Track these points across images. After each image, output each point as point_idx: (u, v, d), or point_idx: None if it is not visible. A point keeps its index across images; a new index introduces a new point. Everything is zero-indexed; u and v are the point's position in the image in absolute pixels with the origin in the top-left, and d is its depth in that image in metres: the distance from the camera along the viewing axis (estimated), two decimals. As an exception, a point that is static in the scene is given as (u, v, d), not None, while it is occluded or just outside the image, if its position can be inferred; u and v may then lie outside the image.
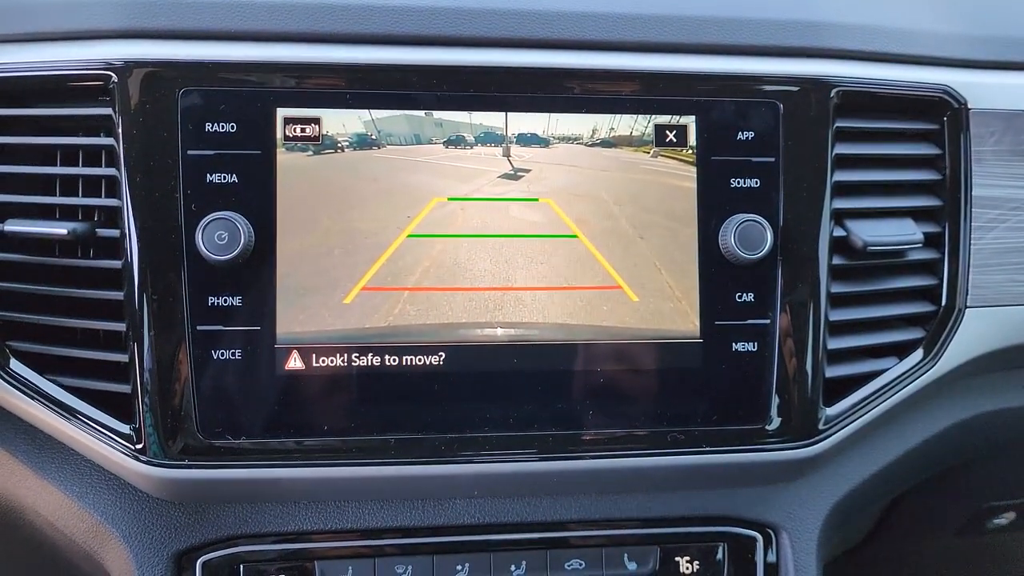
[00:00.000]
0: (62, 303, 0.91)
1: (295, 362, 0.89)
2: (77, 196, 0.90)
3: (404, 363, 0.90)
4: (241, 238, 0.85)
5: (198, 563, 0.99)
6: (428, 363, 0.90)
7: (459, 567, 1.02)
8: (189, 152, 0.87)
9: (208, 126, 0.87)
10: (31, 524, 1.07)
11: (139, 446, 0.89)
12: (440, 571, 1.01)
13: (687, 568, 1.06)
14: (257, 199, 0.88)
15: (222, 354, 0.88)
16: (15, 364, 0.90)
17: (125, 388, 0.89)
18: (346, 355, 0.89)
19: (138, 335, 0.87)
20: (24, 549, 1.14)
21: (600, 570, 1.04)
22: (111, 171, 0.88)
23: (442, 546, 1.02)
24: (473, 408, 0.91)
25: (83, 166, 0.90)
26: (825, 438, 0.97)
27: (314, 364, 0.89)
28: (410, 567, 1.01)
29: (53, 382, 0.90)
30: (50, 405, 0.90)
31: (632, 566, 1.05)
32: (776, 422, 0.96)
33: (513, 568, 1.03)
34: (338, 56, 0.89)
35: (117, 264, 0.88)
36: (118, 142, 0.87)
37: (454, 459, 0.91)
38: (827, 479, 1.08)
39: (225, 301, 0.88)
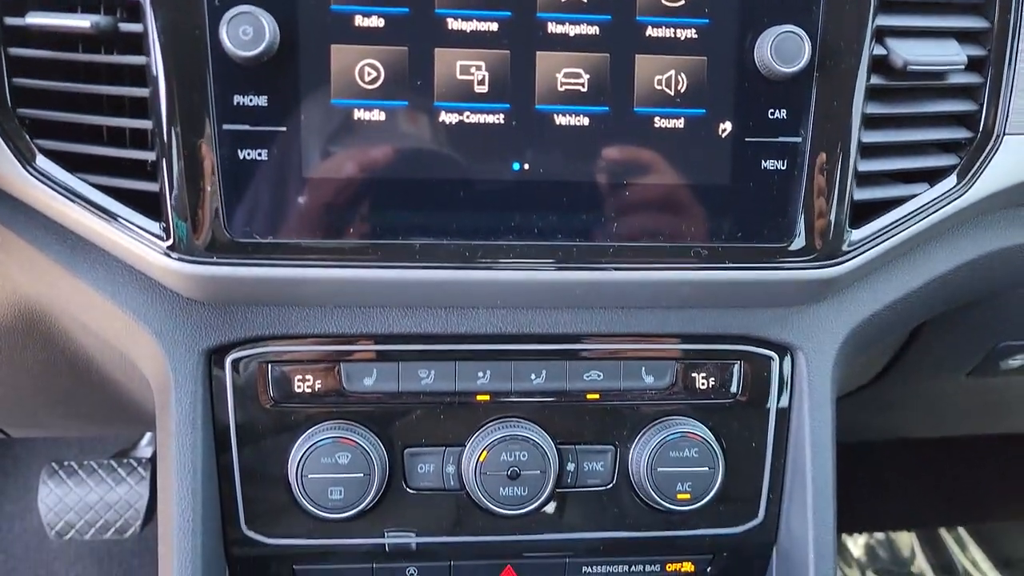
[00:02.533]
0: (87, 101, 0.90)
1: (321, 163, 0.89)
2: None
3: (431, 168, 0.90)
4: (266, 34, 0.82)
5: (227, 360, 1.02)
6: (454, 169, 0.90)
7: (480, 373, 1.05)
8: None
9: None
10: (65, 331, 1.10)
11: (168, 243, 0.90)
12: (462, 376, 1.04)
13: (703, 384, 1.08)
14: None
15: (248, 154, 0.87)
16: (42, 161, 0.90)
17: (153, 186, 0.89)
18: (373, 158, 0.89)
19: (164, 133, 0.87)
20: (60, 360, 1.18)
21: (618, 381, 1.07)
22: None
23: (465, 353, 1.04)
24: (498, 215, 0.91)
25: None
26: (848, 260, 0.97)
27: (340, 166, 0.89)
28: (433, 371, 1.04)
29: (81, 180, 0.90)
30: (79, 202, 0.90)
31: (649, 379, 1.07)
32: (800, 241, 0.95)
33: (533, 376, 1.05)
34: None
35: (142, 60, 0.86)
36: None
37: (477, 265, 0.92)
38: (847, 303, 1.08)
39: (251, 100, 0.86)
